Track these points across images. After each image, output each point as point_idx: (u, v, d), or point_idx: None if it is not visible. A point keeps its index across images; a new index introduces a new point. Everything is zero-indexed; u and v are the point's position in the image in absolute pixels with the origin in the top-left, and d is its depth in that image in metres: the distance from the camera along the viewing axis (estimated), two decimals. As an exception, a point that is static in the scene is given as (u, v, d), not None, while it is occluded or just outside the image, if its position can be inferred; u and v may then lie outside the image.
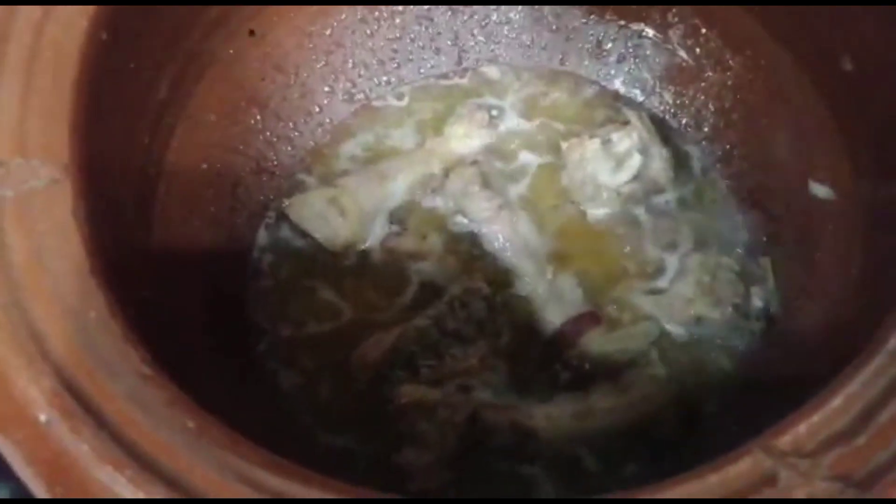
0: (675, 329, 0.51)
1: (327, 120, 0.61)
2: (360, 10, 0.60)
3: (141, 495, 0.24)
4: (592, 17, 0.60)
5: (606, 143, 0.56)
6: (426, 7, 0.61)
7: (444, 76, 0.63)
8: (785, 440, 0.25)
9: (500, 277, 0.54)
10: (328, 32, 0.60)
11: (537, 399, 0.49)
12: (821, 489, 0.24)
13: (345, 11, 0.60)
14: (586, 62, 0.62)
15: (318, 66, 0.60)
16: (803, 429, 0.25)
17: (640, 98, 0.61)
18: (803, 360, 0.47)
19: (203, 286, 0.52)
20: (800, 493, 0.23)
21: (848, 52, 0.45)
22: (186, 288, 0.50)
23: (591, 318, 0.52)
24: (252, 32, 0.56)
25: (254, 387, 0.51)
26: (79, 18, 0.35)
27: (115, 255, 0.35)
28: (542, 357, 0.51)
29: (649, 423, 0.48)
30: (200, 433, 0.26)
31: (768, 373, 0.49)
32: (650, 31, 0.59)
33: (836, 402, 0.26)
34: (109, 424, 0.25)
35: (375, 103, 0.62)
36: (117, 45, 0.39)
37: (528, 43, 0.63)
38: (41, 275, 0.28)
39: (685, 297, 0.51)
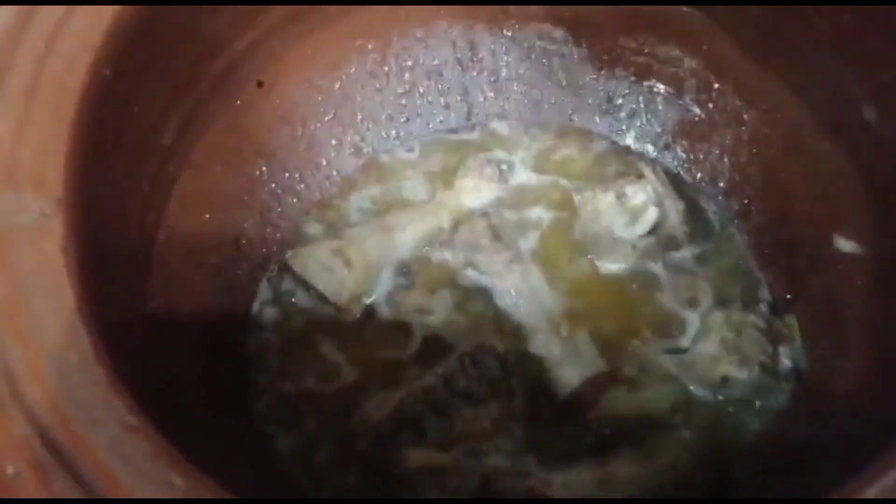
0: (699, 390, 0.48)
1: (334, 172, 0.60)
2: (370, 65, 0.60)
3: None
4: (603, 72, 0.60)
5: (621, 196, 0.54)
6: (435, 62, 0.61)
7: (454, 131, 0.62)
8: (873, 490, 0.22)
9: (513, 334, 0.51)
10: (337, 86, 0.59)
11: (554, 466, 0.45)
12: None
13: (354, 64, 0.60)
14: (597, 118, 0.61)
15: (327, 118, 0.59)
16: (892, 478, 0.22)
17: (653, 153, 0.59)
18: (838, 422, 0.44)
19: (201, 340, 0.49)
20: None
21: (869, 99, 0.44)
22: (183, 341, 0.48)
23: (610, 378, 0.49)
24: (261, 84, 0.56)
25: (250, 448, 0.47)
26: (83, 54, 0.34)
27: (106, 300, 0.33)
28: (559, 420, 0.48)
29: (675, 491, 0.45)
30: (188, 492, 0.23)
31: (801, 435, 0.45)
32: (661, 87, 0.58)
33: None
34: (84, 479, 0.22)
35: (383, 157, 0.61)
36: (121, 85, 0.38)
37: (538, 98, 0.62)
38: (22, 311, 0.26)
39: (709, 356, 0.48)
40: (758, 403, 0.47)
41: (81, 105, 0.33)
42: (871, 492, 0.23)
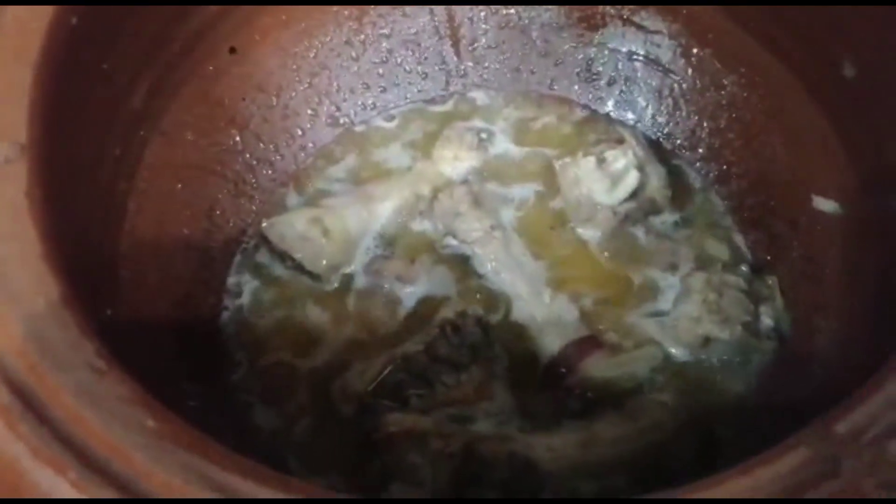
0: (681, 352, 0.48)
1: (310, 143, 0.59)
2: (346, 33, 0.59)
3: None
4: (582, 39, 0.60)
5: (601, 161, 0.54)
6: (413, 30, 0.60)
7: (432, 101, 0.61)
8: (842, 427, 0.22)
9: (494, 301, 0.51)
10: (312, 54, 0.58)
11: (538, 429, 0.45)
12: (893, 479, 0.20)
13: (330, 33, 0.58)
14: (576, 86, 0.61)
15: (302, 88, 0.58)
16: (861, 415, 0.22)
17: (633, 120, 0.59)
18: (820, 379, 0.44)
19: (174, 311, 0.48)
20: (868, 486, 0.20)
21: (848, 56, 0.44)
22: (155, 312, 0.46)
23: (591, 342, 0.48)
24: (233, 50, 0.54)
25: (226, 420, 0.46)
26: (46, -3, 0.32)
27: (74, 251, 0.31)
28: (542, 384, 0.47)
29: (659, 452, 0.44)
30: (162, 434, 0.22)
31: (784, 394, 0.45)
32: (641, 53, 0.58)
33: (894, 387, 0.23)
34: (52, 421, 0.21)
35: (361, 127, 0.60)
36: (89, 37, 0.37)
37: (517, 67, 0.61)
38: (-16, 254, 0.25)
39: (691, 317, 0.48)
40: (740, 363, 0.47)
41: (46, 50, 0.32)
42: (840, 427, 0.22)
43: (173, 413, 0.23)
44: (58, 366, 0.23)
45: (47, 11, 0.32)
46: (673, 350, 0.48)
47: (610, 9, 0.58)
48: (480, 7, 0.60)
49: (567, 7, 0.59)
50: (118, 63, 0.42)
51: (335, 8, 0.58)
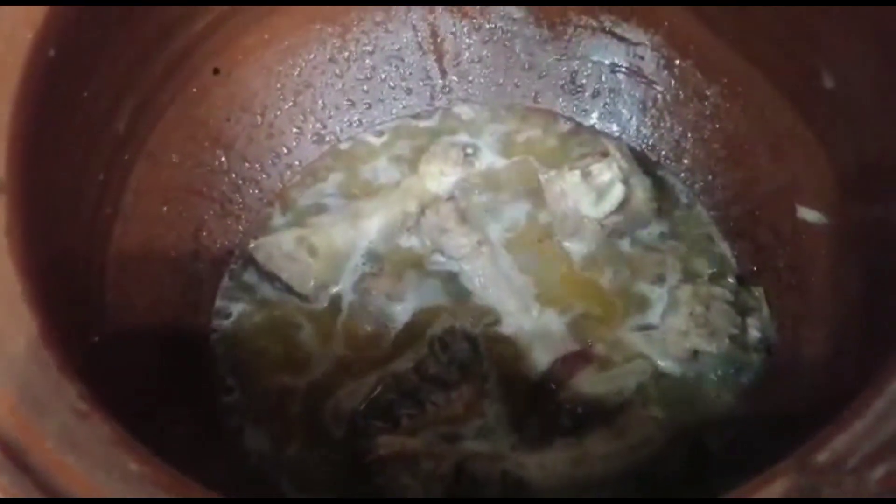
0: (670, 365, 0.48)
1: (296, 162, 0.59)
2: (330, 50, 0.59)
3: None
4: (565, 52, 0.60)
5: (586, 175, 0.54)
6: (396, 46, 0.60)
7: (417, 116, 0.61)
8: (822, 457, 0.22)
9: (483, 317, 0.51)
10: (296, 73, 0.58)
11: (529, 447, 0.45)
12: (875, 508, 0.20)
13: (313, 51, 0.58)
14: (560, 99, 0.61)
15: (286, 106, 0.58)
16: (841, 443, 0.22)
17: (617, 132, 0.59)
18: (809, 390, 0.44)
19: (161, 336, 0.48)
20: (851, 514, 0.20)
21: (827, 67, 0.44)
22: (142, 337, 0.46)
23: (581, 357, 0.48)
24: (217, 71, 0.54)
25: (216, 444, 0.46)
26: (23, 31, 0.32)
27: (56, 288, 0.31)
28: (532, 401, 0.47)
29: (650, 467, 0.44)
30: (144, 477, 0.22)
31: (773, 405, 0.45)
32: (624, 65, 0.58)
33: (876, 411, 0.23)
34: (33, 469, 0.21)
35: (346, 144, 0.60)
36: (68, 66, 0.36)
37: (501, 81, 0.61)
38: (-39, 296, 0.24)
39: (678, 331, 0.48)
40: (728, 375, 0.47)
41: (24, 84, 0.31)
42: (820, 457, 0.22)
43: (156, 452, 0.23)
44: (39, 410, 0.23)
45: (24, 44, 0.32)
46: (662, 364, 0.48)
47: (592, 21, 0.58)
48: (464, 21, 0.60)
49: (548, 20, 0.59)
50: (99, 90, 0.42)
51: (318, 26, 0.58)
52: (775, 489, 0.21)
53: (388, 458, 0.42)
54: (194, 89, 0.53)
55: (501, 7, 0.60)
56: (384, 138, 0.60)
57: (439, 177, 0.57)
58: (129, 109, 0.47)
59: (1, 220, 0.27)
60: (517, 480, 0.43)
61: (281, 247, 0.52)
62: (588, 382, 0.47)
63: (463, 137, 0.60)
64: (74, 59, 0.37)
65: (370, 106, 0.61)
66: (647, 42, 0.57)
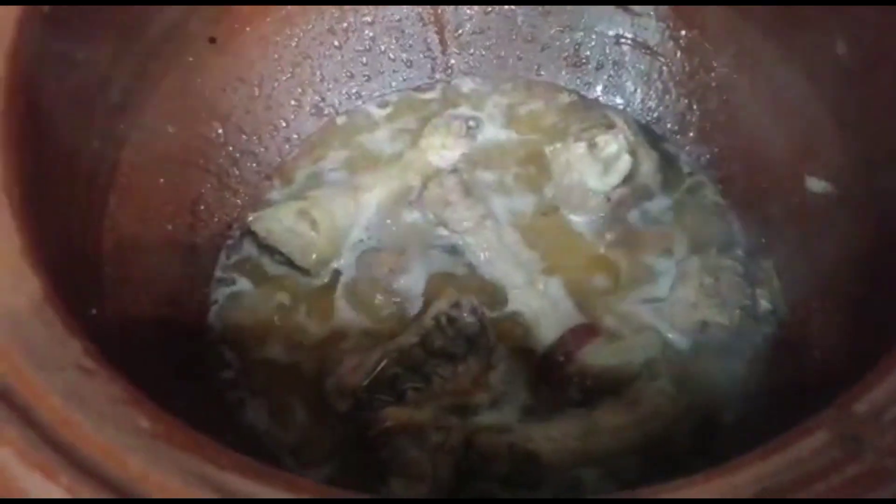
0: (679, 338, 0.47)
1: (294, 135, 0.57)
2: (328, 21, 0.57)
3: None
4: (568, 24, 0.59)
5: (592, 146, 0.53)
6: (396, 17, 0.59)
7: (418, 89, 0.60)
8: (861, 406, 0.21)
9: (489, 291, 0.50)
10: (294, 43, 0.57)
11: (537, 419, 0.44)
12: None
13: (312, 21, 0.57)
14: (564, 71, 0.60)
15: (284, 77, 0.57)
16: (880, 393, 0.21)
17: (622, 105, 0.58)
18: (819, 362, 0.44)
19: (160, 309, 0.47)
20: (893, 464, 0.19)
21: (841, 33, 0.44)
22: (141, 310, 0.45)
23: (588, 330, 0.47)
24: (213, 40, 0.53)
25: (218, 419, 0.45)
26: (17, -18, 0.31)
27: (56, 249, 0.30)
28: (540, 374, 0.46)
29: (661, 440, 0.44)
30: (156, 434, 0.21)
31: (783, 378, 0.45)
32: (628, 36, 0.57)
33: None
34: (40, 424, 0.20)
35: (346, 117, 0.59)
36: (62, 25, 0.35)
37: (503, 53, 0.60)
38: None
39: (688, 303, 0.48)
40: (738, 347, 0.47)
41: (17, 40, 0.30)
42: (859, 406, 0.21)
43: (167, 412, 0.22)
44: (43, 366, 0.22)
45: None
46: (671, 336, 0.48)
47: (596, -8, 0.57)
48: (464, -8, 0.59)
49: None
50: (94, 54, 0.41)
51: (317, -6, 0.57)
52: (816, 440, 0.21)
53: (395, 430, 0.41)
54: (190, 58, 0.52)
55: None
56: (384, 111, 0.59)
57: (441, 150, 0.56)
58: (125, 77, 0.45)
59: (-1, 176, 0.26)
60: (525, 453, 0.42)
61: (281, 220, 0.51)
62: (596, 355, 0.46)
63: (465, 110, 0.59)
64: (69, 17, 0.35)
65: (369, 78, 0.59)
66: (651, 12, 0.56)
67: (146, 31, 0.47)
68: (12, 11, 0.31)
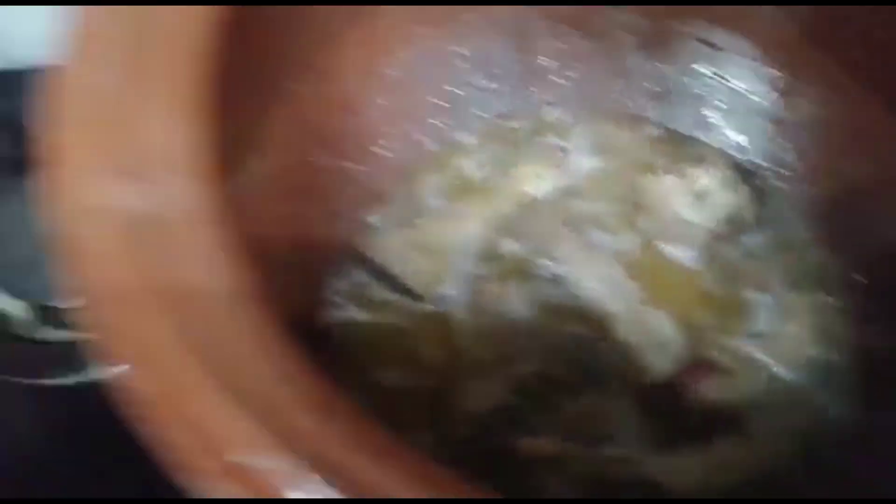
0: (788, 374, 0.49)
1: (396, 163, 0.58)
2: (425, 51, 0.58)
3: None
4: (657, 58, 0.60)
5: (685, 179, 0.54)
6: (489, 48, 0.60)
7: (508, 118, 0.61)
8: None
9: (597, 323, 0.51)
10: (392, 72, 0.58)
11: (662, 452, 0.45)
12: None
13: (409, 51, 0.58)
14: (651, 104, 0.61)
15: (384, 105, 0.57)
16: None
17: (710, 139, 0.60)
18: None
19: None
20: None
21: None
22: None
23: (704, 365, 0.48)
24: (316, 68, 0.53)
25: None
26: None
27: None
28: (658, 407, 0.47)
29: (775, 475, 0.45)
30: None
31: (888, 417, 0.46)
32: (718, 73, 0.59)
33: None
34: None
35: (441, 146, 0.59)
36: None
37: (591, 84, 0.61)
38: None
39: (795, 338, 0.49)
40: (849, 384, 0.48)
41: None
42: None
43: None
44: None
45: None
46: (779, 371, 0.49)
47: (687, 27, 0.59)
48: (555, 24, 0.60)
49: (639, 25, 0.60)
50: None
51: (414, 26, 0.57)
52: None
53: (531, 461, 0.42)
54: (295, 86, 0.52)
55: (595, 9, 0.60)
56: (474, 139, 0.60)
57: (535, 179, 0.57)
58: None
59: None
60: (652, 484, 0.43)
61: (390, 246, 0.51)
62: (710, 390, 0.47)
63: (552, 139, 0.60)
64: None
65: (463, 107, 0.60)
66: (741, 50, 0.58)
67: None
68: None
